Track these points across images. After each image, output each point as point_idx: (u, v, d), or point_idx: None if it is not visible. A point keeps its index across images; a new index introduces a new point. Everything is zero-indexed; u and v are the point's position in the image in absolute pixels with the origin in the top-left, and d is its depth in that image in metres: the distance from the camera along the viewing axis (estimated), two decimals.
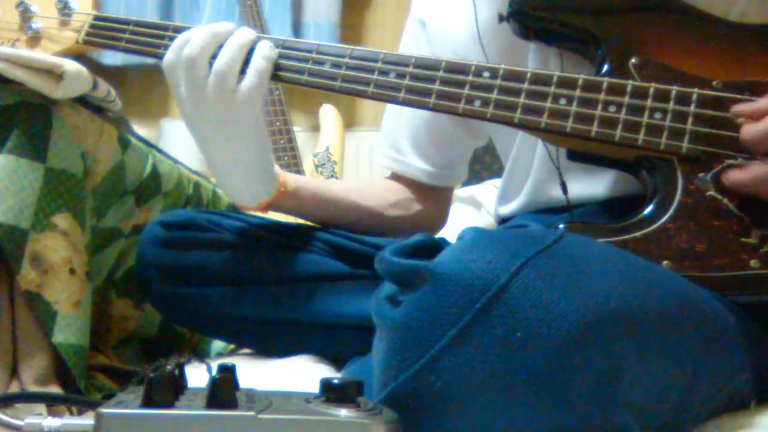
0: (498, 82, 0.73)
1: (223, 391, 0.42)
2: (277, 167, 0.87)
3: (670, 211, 0.67)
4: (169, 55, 0.78)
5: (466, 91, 0.74)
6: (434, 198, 1.05)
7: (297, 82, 0.80)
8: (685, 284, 0.60)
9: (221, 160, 0.82)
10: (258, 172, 0.84)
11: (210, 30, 0.78)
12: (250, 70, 0.77)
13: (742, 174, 0.65)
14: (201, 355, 1.14)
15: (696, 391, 0.57)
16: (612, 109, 0.70)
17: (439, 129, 0.99)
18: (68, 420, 0.46)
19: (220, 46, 0.78)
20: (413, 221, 1.02)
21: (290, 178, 0.89)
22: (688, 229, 0.66)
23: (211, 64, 0.77)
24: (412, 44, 0.99)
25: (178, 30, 0.84)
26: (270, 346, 0.93)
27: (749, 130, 0.64)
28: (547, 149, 0.79)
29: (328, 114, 2.06)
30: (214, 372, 0.46)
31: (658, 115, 0.69)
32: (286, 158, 1.89)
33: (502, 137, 0.93)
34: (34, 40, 0.89)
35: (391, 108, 1.03)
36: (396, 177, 1.04)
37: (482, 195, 1.72)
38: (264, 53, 0.78)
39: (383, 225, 0.99)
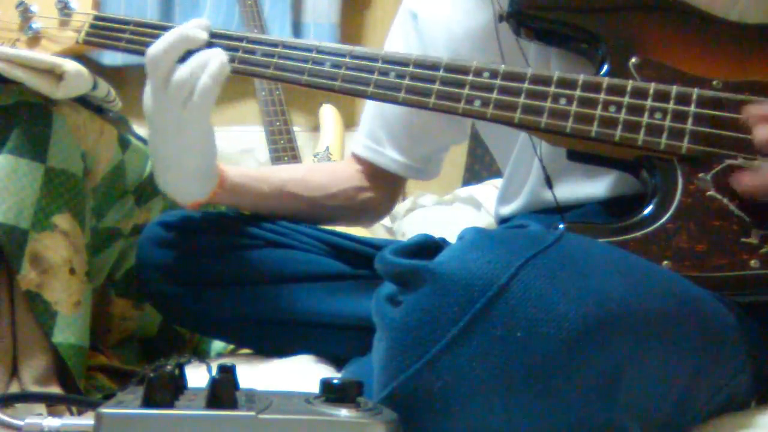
0: (498, 82, 0.73)
1: (223, 391, 0.42)
2: (220, 165, 0.88)
3: (670, 211, 0.67)
4: (151, 50, 0.79)
5: (466, 91, 0.74)
6: (391, 188, 1.05)
7: (297, 83, 0.80)
8: (685, 284, 0.60)
9: (166, 161, 0.83)
10: (198, 176, 0.85)
11: (178, 33, 0.79)
12: (197, 89, 0.78)
13: (754, 179, 0.64)
14: (201, 355, 1.14)
15: (696, 390, 0.57)
16: (612, 109, 0.70)
17: (417, 122, 0.98)
18: (68, 420, 0.46)
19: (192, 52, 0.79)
20: (357, 211, 1.02)
21: (229, 178, 0.89)
22: (688, 229, 0.66)
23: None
24: (401, 36, 0.99)
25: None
26: (270, 346, 0.93)
27: (763, 133, 0.64)
28: (533, 143, 0.79)
29: (328, 114, 2.06)
30: (214, 372, 0.46)
31: (658, 115, 0.69)
32: (286, 158, 1.89)
33: (502, 139, 0.93)
34: (34, 40, 0.89)
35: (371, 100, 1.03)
36: (359, 161, 1.03)
37: (482, 195, 1.72)
38: (212, 71, 0.78)
39: (322, 215, 1.00)
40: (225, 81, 0.79)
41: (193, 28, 0.80)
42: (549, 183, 0.78)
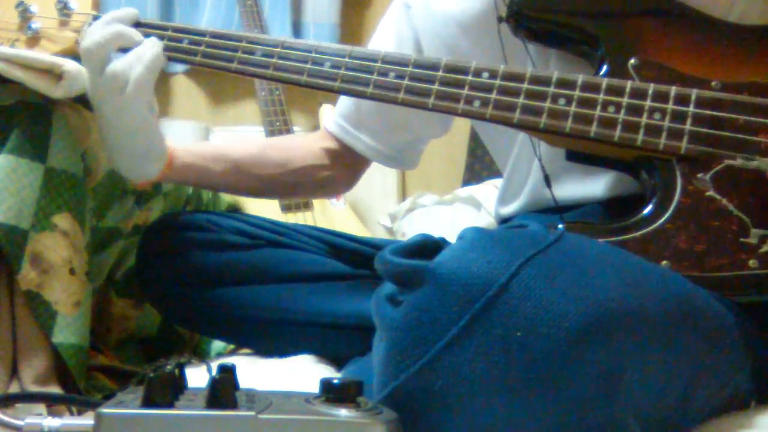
0: (497, 82, 0.73)
1: (223, 391, 0.42)
2: (170, 146, 0.89)
3: (669, 212, 0.67)
4: (85, 40, 0.80)
5: (465, 91, 0.74)
6: (356, 169, 1.05)
7: (296, 83, 0.80)
8: (684, 284, 0.60)
9: (111, 142, 0.84)
10: (143, 157, 0.85)
11: (114, 29, 0.81)
12: (131, 79, 0.79)
13: None
14: (201, 355, 1.14)
15: (696, 390, 0.57)
16: (611, 109, 0.70)
17: (395, 110, 0.95)
18: (68, 420, 0.46)
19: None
20: (314, 187, 1.03)
21: (178, 158, 0.90)
22: (687, 229, 0.66)
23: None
24: (393, 27, 0.98)
25: (177, 30, 0.84)
26: (270, 346, 0.93)
27: None
28: (532, 143, 0.79)
29: (328, 114, 2.05)
30: (214, 372, 0.46)
31: (657, 116, 0.69)
32: None
33: (501, 139, 0.93)
34: (34, 40, 0.89)
35: None
36: (329, 138, 1.03)
37: (482, 195, 1.72)
38: (147, 62, 0.80)
39: (277, 191, 1.00)
40: (160, 70, 0.82)
41: (128, 26, 0.82)
42: (548, 182, 0.78)
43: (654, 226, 0.66)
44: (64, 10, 0.88)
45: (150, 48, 0.81)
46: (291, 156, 1.00)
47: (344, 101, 1.02)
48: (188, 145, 0.93)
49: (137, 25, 0.85)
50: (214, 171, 0.93)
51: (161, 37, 0.83)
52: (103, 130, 0.84)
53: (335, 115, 1.03)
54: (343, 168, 1.03)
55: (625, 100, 0.70)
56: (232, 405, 0.42)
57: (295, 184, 1.00)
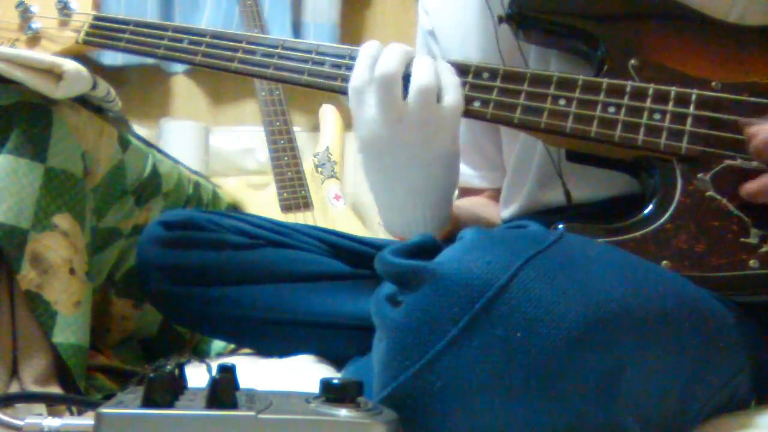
0: (497, 82, 0.73)
1: (223, 391, 0.42)
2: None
3: (669, 212, 0.67)
4: (362, 76, 0.73)
5: (465, 91, 0.74)
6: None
7: (297, 83, 0.80)
8: (684, 284, 0.60)
9: (406, 190, 0.77)
10: (444, 204, 0.80)
11: (402, 49, 0.74)
12: (449, 87, 0.73)
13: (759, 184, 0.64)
14: (201, 355, 1.14)
15: (696, 390, 0.57)
16: (611, 109, 0.70)
17: (481, 133, 0.97)
18: (68, 420, 0.46)
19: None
20: None
21: (462, 213, 0.86)
22: (687, 230, 0.66)
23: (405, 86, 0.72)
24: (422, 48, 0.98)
25: (177, 30, 0.84)
26: (270, 346, 0.93)
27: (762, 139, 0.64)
28: (551, 156, 0.79)
29: (328, 114, 2.05)
30: (214, 372, 0.46)
31: (657, 116, 0.69)
32: (286, 158, 1.89)
33: (506, 142, 0.93)
34: (34, 40, 0.89)
35: None
36: (465, 191, 1.02)
37: None
38: (452, 70, 0.74)
39: None
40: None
41: (400, 45, 0.74)
42: (568, 196, 0.77)
43: (654, 226, 0.66)
44: (64, 10, 0.88)
45: (446, 70, 0.73)
46: (484, 204, 1.00)
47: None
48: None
49: (139, 24, 0.85)
50: (469, 221, 0.91)
51: (161, 37, 0.83)
52: (387, 184, 0.76)
53: (470, 174, 1.01)
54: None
55: (625, 100, 0.70)
56: (232, 405, 0.42)
57: None
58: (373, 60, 0.73)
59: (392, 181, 0.76)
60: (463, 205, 0.97)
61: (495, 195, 1.01)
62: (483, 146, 0.99)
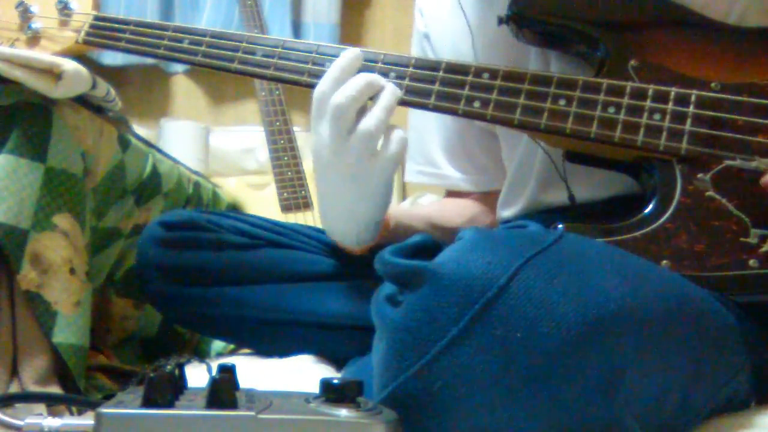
0: (498, 82, 0.73)
1: (223, 391, 0.42)
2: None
3: (669, 211, 0.67)
4: (324, 86, 0.74)
5: (465, 91, 0.74)
6: (491, 204, 1.03)
7: (297, 83, 0.80)
8: (684, 284, 0.60)
9: (338, 211, 0.80)
10: (371, 226, 0.82)
11: (365, 80, 0.73)
12: (393, 141, 0.74)
13: None
14: (201, 355, 1.14)
15: (696, 390, 0.57)
16: (611, 110, 0.70)
17: (471, 137, 0.97)
18: (68, 420, 0.46)
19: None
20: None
21: (391, 219, 0.87)
22: (687, 229, 0.66)
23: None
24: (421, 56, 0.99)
25: (178, 30, 0.84)
26: (270, 346, 0.93)
27: None
28: (553, 163, 0.79)
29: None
30: (214, 372, 0.46)
31: (657, 116, 0.69)
32: (286, 158, 1.89)
33: (507, 143, 0.93)
34: (34, 40, 0.89)
35: (417, 124, 1.02)
36: (452, 193, 1.03)
37: None
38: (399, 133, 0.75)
39: None
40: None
41: (368, 75, 0.74)
42: (572, 199, 0.77)
43: (654, 226, 0.67)
44: (64, 10, 0.88)
45: (393, 97, 0.74)
46: (462, 206, 1.02)
47: (416, 151, 1.02)
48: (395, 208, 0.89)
49: (139, 24, 0.85)
50: (416, 229, 0.92)
51: (161, 37, 0.83)
52: (330, 196, 0.78)
53: (413, 165, 1.03)
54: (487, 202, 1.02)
55: (625, 100, 0.70)
56: (232, 405, 0.42)
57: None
58: (341, 73, 0.74)
59: (332, 195, 0.78)
60: (417, 213, 0.98)
61: (482, 198, 1.02)
62: (472, 151, 0.99)
